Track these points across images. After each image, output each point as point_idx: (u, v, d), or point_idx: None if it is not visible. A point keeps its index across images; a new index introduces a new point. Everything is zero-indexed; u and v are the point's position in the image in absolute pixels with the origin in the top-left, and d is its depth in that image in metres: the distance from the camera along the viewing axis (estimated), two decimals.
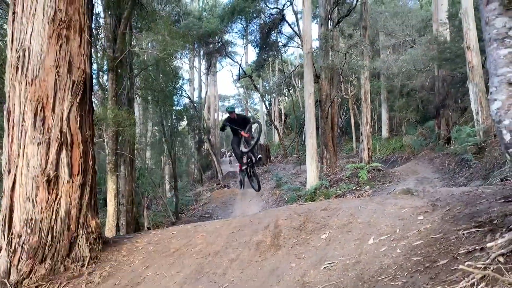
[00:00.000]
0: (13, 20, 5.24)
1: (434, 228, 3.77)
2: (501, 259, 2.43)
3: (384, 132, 25.99)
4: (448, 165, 14.42)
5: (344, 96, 26.90)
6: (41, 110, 5.03)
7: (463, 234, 3.25)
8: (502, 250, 2.42)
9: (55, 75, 5.14)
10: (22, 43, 5.13)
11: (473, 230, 3.24)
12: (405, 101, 24.72)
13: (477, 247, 2.83)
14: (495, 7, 2.68)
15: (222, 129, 9.28)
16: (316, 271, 3.75)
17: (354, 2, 18.13)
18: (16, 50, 5.14)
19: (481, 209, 3.79)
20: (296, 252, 4.35)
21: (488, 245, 2.55)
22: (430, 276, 2.80)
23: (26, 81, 5.05)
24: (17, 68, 5.10)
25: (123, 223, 12.81)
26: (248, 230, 5.36)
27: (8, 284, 4.61)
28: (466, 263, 2.54)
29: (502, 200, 3.84)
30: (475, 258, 2.66)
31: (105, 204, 11.43)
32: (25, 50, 5.10)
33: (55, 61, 5.16)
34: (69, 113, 5.22)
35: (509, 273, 2.30)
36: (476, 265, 2.41)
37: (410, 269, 3.08)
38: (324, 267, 3.75)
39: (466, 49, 13.76)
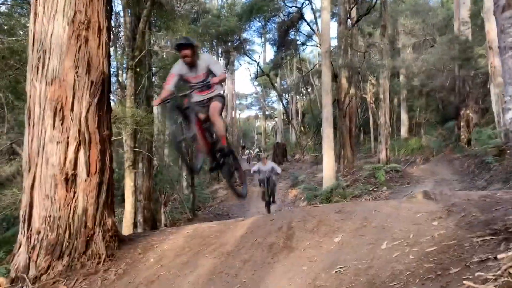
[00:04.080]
0: (35, 22, 5.36)
1: (448, 235, 3.72)
2: None
3: (403, 132, 25.66)
4: (468, 167, 14.16)
5: (363, 95, 26.64)
6: (60, 110, 5.13)
7: (477, 241, 3.20)
8: None
9: (74, 76, 5.24)
10: (42, 44, 5.24)
11: (488, 238, 3.18)
12: (424, 101, 24.37)
13: (490, 256, 2.79)
14: (511, 15, 2.62)
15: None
16: (328, 275, 3.75)
17: (374, 0, 17.93)
18: (37, 50, 5.26)
19: (497, 216, 3.72)
20: (308, 255, 4.35)
21: (499, 256, 2.50)
22: (441, 284, 2.77)
23: (46, 81, 5.16)
24: (38, 68, 5.22)
25: (141, 220, 12.99)
26: (262, 231, 5.38)
27: (27, 279, 4.74)
28: (477, 273, 2.50)
29: None
30: (487, 268, 2.61)
31: (123, 201, 11.60)
32: (45, 51, 5.21)
33: (74, 61, 5.26)
34: (87, 112, 5.32)
35: None
36: (487, 276, 2.37)
37: (421, 276, 3.05)
38: (336, 271, 3.74)
39: (488, 50, 13.54)
